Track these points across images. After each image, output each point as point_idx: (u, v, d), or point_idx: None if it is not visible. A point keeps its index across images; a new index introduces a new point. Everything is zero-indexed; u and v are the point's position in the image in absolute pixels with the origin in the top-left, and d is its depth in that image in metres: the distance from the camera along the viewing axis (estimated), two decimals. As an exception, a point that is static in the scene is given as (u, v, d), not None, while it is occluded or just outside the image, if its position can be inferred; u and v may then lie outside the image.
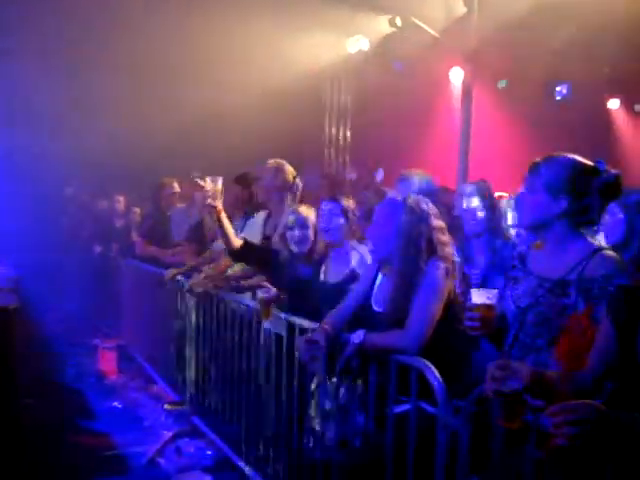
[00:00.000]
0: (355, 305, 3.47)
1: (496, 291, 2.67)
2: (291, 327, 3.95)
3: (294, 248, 4.28)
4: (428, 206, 3.31)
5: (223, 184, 4.48)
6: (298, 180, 5.16)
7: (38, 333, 7.36)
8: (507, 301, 2.71)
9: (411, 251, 3.19)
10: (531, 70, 10.42)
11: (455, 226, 4.72)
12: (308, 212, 4.34)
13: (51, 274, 9.32)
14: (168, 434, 5.37)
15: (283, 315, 4.02)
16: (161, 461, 4.99)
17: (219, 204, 4.38)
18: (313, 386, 3.73)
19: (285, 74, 9.82)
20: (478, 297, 2.62)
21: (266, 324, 4.19)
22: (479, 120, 9.23)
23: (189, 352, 5.71)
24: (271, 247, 4.70)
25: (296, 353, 3.79)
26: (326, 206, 4.05)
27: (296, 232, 4.26)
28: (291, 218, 4.31)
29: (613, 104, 12.85)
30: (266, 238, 5.01)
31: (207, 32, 8.62)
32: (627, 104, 12.69)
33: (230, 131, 9.94)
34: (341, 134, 12.11)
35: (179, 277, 6.01)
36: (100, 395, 6.44)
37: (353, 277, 3.85)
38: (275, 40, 9.34)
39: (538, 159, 2.69)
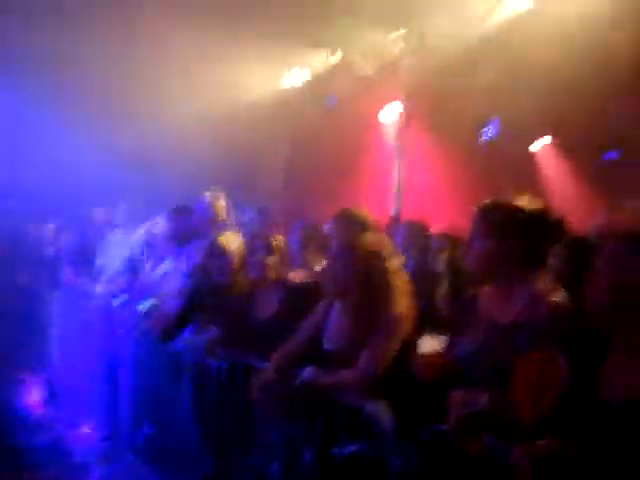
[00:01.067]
0: (304, 341, 3.47)
1: (445, 338, 2.70)
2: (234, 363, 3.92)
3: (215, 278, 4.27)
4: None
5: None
6: (231, 215, 5.30)
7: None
8: (459, 345, 2.72)
9: (369, 288, 3.18)
10: (461, 110, 10.69)
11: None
12: (230, 240, 4.36)
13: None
14: (101, 471, 5.22)
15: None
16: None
17: None
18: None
19: (219, 111, 9.83)
20: (427, 345, 2.65)
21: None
22: (411, 159, 9.42)
23: (123, 387, 5.57)
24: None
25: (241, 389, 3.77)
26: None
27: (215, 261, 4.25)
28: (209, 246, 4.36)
29: (539, 143, 13.13)
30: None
31: (145, 61, 8.58)
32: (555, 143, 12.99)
33: (163, 170, 9.85)
34: (276, 165, 12.13)
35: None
36: (27, 430, 6.21)
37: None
38: (206, 77, 9.36)
39: (482, 204, 2.74)
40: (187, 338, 4.50)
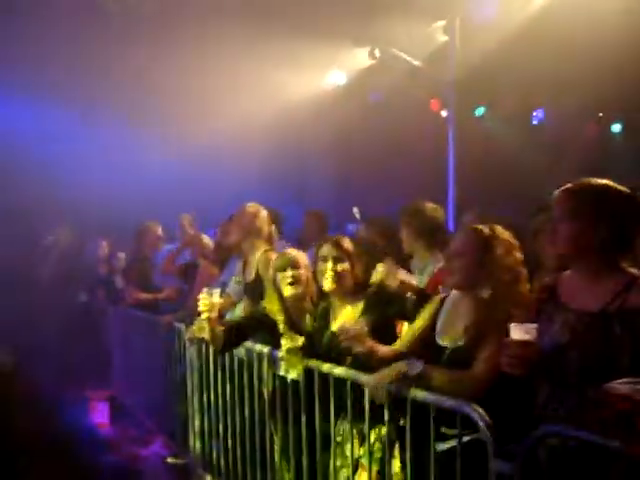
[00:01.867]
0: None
1: (536, 326, 2.51)
2: (309, 372, 3.78)
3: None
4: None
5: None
6: (274, 228, 5.15)
7: (29, 389, 7.08)
8: (543, 337, 2.53)
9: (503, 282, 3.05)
10: (508, 97, 10.52)
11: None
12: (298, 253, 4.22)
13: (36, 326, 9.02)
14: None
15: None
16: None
17: (214, 315, 4.09)
18: (340, 438, 3.59)
19: (266, 111, 9.78)
20: (517, 333, 2.46)
21: (283, 371, 3.99)
22: (461, 147, 9.24)
23: (192, 402, 5.46)
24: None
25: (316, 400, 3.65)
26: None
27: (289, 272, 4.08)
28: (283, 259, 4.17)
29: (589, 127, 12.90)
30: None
31: (191, 67, 8.61)
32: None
33: (214, 172, 9.84)
34: (324, 169, 12.05)
35: (176, 324, 5.80)
36: (94, 449, 6.16)
37: None
38: (254, 76, 9.33)
39: (570, 185, 2.58)
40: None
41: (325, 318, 3.88)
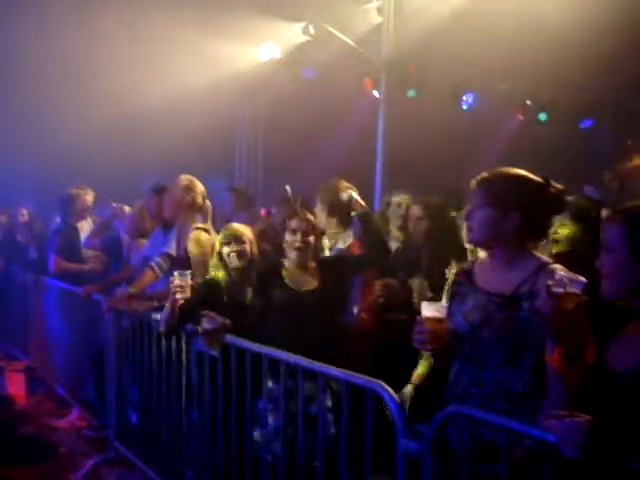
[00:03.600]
0: None
1: (446, 304, 2.60)
2: (224, 348, 3.80)
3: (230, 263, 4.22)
4: None
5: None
6: (208, 202, 5.23)
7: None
8: (456, 317, 2.64)
9: None
10: (440, 80, 10.61)
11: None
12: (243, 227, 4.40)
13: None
14: (89, 462, 5.08)
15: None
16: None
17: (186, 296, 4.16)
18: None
19: (196, 82, 9.62)
20: (428, 310, 2.54)
21: (199, 345, 3.99)
22: (391, 128, 9.30)
23: (109, 373, 5.40)
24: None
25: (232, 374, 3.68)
26: None
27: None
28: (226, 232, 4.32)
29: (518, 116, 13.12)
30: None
31: (119, 37, 8.38)
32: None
33: (142, 144, 9.67)
34: (253, 144, 11.97)
35: (95, 294, 5.71)
36: (10, 422, 6.04)
37: None
38: (186, 48, 9.17)
39: (486, 174, 2.66)
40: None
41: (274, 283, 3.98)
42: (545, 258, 2.59)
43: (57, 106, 9.44)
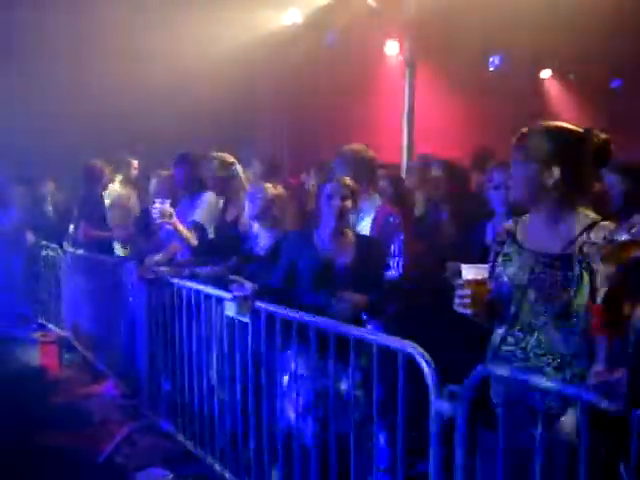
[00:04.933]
0: None
1: (487, 266, 2.54)
2: (256, 314, 3.77)
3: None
4: None
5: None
6: (237, 166, 5.31)
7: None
8: (500, 279, 2.57)
9: None
10: (466, 41, 10.42)
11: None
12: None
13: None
14: (122, 430, 5.12)
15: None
16: (117, 458, 4.77)
17: (173, 218, 4.53)
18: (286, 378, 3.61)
19: (218, 50, 9.57)
20: (468, 272, 2.48)
21: (228, 313, 3.98)
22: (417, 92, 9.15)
23: (140, 341, 5.44)
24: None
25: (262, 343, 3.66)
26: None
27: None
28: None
29: (545, 74, 12.95)
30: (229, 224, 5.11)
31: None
32: (559, 73, 12.81)
33: (164, 111, 9.62)
34: (277, 112, 11.88)
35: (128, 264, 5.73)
36: (45, 391, 6.11)
37: None
38: (206, 15, 9.07)
39: (525, 129, 2.57)
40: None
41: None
42: (594, 215, 2.49)
43: (73, 78, 9.40)
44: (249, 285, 3.82)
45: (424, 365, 2.59)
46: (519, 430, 2.39)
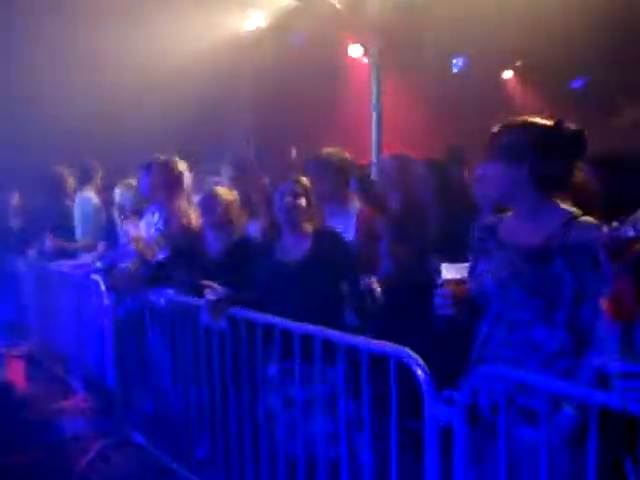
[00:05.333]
0: None
1: (467, 265, 2.48)
2: (234, 321, 3.67)
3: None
4: None
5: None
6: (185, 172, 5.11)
7: None
8: (482, 276, 2.50)
9: None
10: (429, 45, 10.43)
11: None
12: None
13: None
14: (95, 446, 4.96)
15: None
16: (91, 476, 4.60)
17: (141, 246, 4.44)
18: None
19: (184, 51, 9.47)
20: (448, 272, 2.42)
21: (205, 319, 3.87)
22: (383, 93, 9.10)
23: (110, 356, 5.28)
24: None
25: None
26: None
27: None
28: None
29: (507, 74, 13.06)
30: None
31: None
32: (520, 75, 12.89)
33: (132, 115, 9.45)
34: (244, 116, 11.76)
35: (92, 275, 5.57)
36: (12, 408, 5.89)
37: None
38: (170, 21, 8.95)
39: (495, 128, 2.51)
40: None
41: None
42: (573, 209, 2.44)
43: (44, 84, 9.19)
44: (222, 289, 3.74)
45: (418, 371, 2.50)
46: (513, 431, 2.33)
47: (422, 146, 8.33)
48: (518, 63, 12.41)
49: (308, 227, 3.79)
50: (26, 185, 8.77)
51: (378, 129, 8.12)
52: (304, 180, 3.86)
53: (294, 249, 3.73)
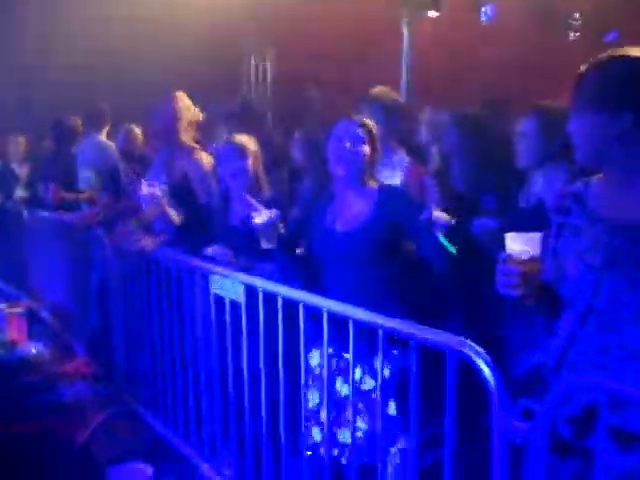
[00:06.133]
0: None
1: (539, 235, 1.94)
2: (251, 292, 3.16)
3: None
4: None
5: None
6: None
7: None
8: (565, 257, 1.98)
9: None
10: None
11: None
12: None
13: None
14: (98, 416, 4.54)
15: (240, 276, 3.21)
16: (92, 447, 4.19)
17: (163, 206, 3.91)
18: (314, 362, 2.99)
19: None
20: (515, 244, 1.89)
21: (216, 290, 3.38)
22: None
23: (115, 319, 4.83)
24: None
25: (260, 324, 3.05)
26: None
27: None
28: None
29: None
30: None
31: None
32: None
33: (139, 63, 8.90)
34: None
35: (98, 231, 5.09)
36: (12, 368, 5.48)
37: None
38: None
39: (583, 67, 1.96)
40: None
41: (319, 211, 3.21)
42: None
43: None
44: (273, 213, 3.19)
45: (486, 371, 1.98)
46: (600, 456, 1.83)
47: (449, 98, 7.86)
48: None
49: (373, 182, 3.13)
50: (34, 130, 8.38)
51: (408, 84, 7.57)
52: (369, 122, 3.11)
53: (354, 211, 3.07)
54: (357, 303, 2.57)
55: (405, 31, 7.76)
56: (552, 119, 3.22)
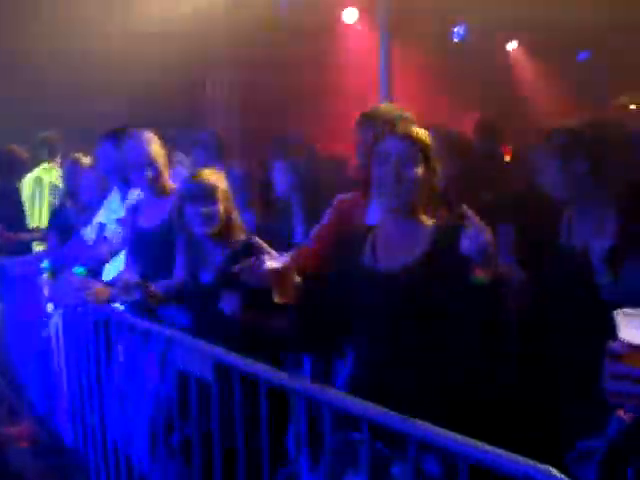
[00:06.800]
0: None
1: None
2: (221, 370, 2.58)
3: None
4: None
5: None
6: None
7: None
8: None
9: None
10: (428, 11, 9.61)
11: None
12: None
13: None
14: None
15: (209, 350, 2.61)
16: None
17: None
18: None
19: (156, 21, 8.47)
20: (629, 331, 1.31)
21: (179, 362, 2.77)
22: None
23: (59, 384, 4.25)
24: None
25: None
26: None
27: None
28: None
29: (511, 45, 12.54)
30: None
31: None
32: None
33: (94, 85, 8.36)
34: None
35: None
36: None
37: None
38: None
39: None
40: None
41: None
42: None
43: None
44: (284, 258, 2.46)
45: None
46: None
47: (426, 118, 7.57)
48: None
49: (426, 218, 2.30)
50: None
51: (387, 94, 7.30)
52: (423, 134, 2.29)
53: (402, 250, 2.25)
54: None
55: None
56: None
